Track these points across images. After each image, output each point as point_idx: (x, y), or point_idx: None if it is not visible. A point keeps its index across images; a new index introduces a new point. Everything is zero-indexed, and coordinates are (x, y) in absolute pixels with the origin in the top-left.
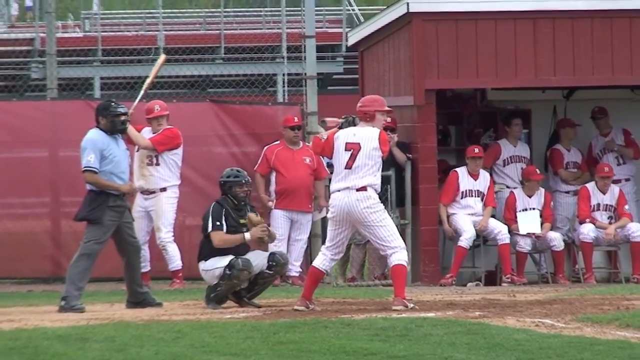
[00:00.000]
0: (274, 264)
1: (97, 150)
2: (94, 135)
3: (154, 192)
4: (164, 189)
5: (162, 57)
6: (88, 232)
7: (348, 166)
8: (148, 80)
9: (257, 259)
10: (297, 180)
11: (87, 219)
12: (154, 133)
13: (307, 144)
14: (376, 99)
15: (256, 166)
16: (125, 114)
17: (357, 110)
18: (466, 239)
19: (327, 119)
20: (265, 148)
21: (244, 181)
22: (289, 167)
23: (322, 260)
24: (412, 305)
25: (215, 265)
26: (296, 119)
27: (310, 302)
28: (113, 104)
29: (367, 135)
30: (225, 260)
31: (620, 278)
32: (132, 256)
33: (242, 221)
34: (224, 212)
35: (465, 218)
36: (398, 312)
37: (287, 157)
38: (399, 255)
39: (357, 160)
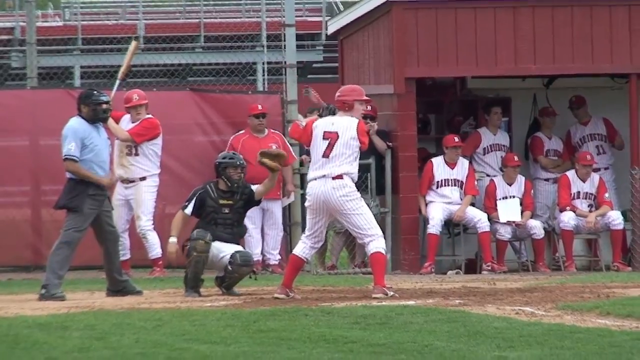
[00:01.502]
0: (232, 261)
1: (77, 139)
2: (75, 124)
3: (133, 181)
4: (143, 178)
5: (134, 44)
6: (68, 221)
7: (325, 155)
8: (122, 69)
9: (227, 249)
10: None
11: (67, 207)
12: (133, 122)
13: (272, 130)
14: (355, 89)
15: None
16: (107, 102)
17: (336, 99)
18: (434, 226)
19: (312, 90)
20: (232, 137)
21: (238, 163)
22: (256, 155)
23: (302, 248)
24: (392, 293)
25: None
26: (260, 107)
27: (290, 290)
28: (95, 92)
29: (346, 125)
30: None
31: (601, 266)
32: (111, 244)
33: (222, 202)
34: (198, 195)
35: (436, 206)
36: (378, 300)
37: (254, 146)
38: (376, 243)
39: (335, 149)
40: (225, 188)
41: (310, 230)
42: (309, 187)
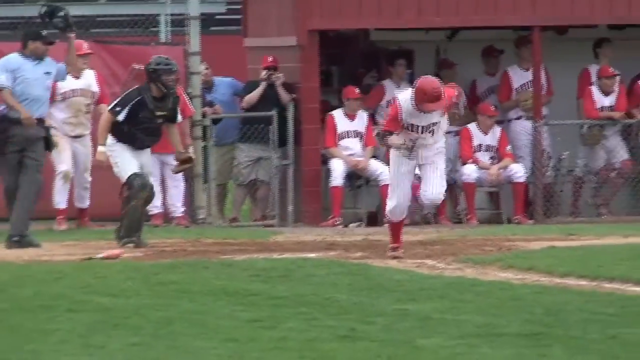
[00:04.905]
0: (130, 185)
1: (8, 71)
2: (8, 57)
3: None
4: None
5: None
6: None
7: None
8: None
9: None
10: None
11: None
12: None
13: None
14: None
15: None
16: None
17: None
18: (336, 178)
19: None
20: None
21: (174, 69)
22: None
23: None
24: (392, 253)
25: (117, 160)
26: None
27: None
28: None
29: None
30: (127, 164)
31: (502, 219)
32: (25, 187)
33: (158, 113)
34: (136, 101)
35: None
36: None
37: None
38: (387, 207)
39: None
40: (158, 94)
41: None
42: None
